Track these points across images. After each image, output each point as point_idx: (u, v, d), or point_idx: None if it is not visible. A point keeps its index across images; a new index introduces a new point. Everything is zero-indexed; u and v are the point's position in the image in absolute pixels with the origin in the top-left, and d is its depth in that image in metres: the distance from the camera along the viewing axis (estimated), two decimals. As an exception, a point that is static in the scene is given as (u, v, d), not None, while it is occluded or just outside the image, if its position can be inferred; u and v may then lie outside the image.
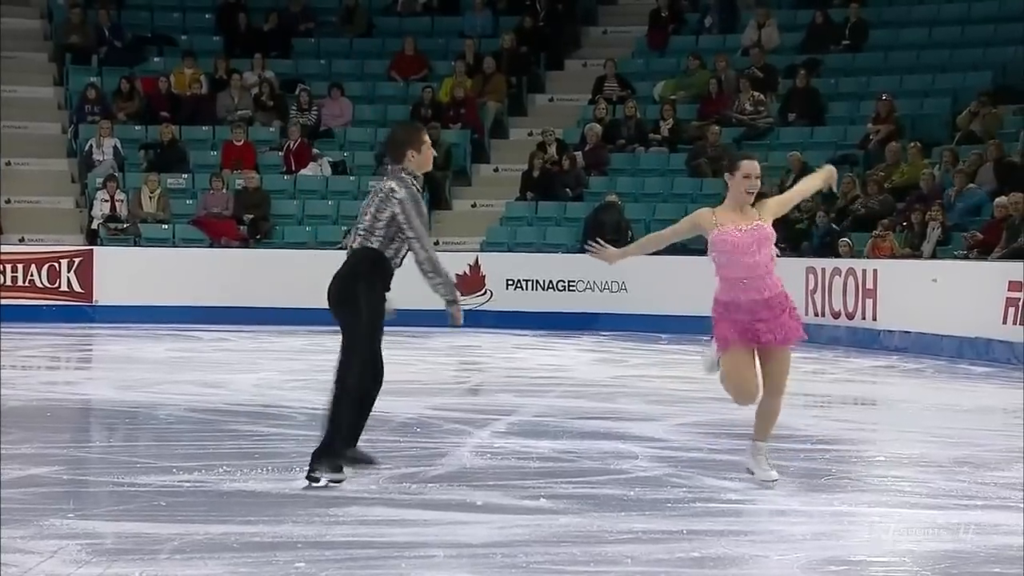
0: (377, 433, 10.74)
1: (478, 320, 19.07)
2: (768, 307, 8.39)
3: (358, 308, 8.32)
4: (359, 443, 8.36)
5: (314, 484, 8.21)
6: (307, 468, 8.29)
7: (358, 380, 8.29)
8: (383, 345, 8.41)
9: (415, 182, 8.47)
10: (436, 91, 25.81)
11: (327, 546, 6.83)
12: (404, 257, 8.49)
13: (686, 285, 19.24)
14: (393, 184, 8.39)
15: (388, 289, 8.45)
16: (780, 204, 8.83)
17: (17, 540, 6.78)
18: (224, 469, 8.82)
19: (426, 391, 13.68)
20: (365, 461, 8.32)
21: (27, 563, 6.38)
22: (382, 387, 8.43)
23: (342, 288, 8.40)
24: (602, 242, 8.34)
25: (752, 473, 8.51)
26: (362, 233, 8.43)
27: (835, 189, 8.98)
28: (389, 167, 8.64)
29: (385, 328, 8.40)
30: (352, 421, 8.26)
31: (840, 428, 12.10)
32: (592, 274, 21.88)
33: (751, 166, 8.49)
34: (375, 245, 8.38)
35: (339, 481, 8.21)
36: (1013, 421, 12.37)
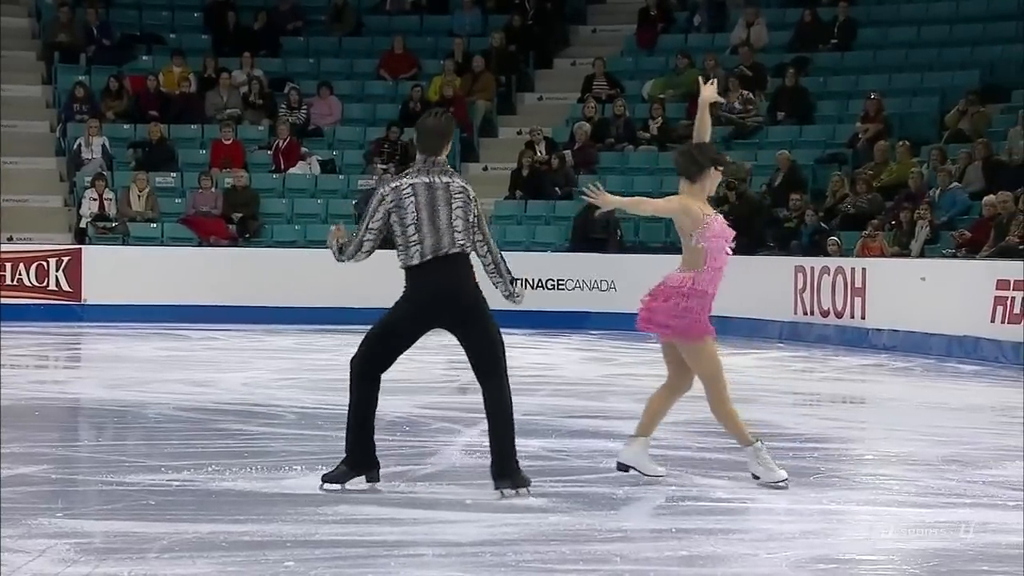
0: (366, 432, 10.74)
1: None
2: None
3: (492, 319, 8.03)
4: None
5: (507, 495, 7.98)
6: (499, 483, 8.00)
7: (510, 392, 8.04)
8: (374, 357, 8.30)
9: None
10: (425, 90, 25.80)
11: (316, 545, 6.82)
12: None
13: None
14: (462, 182, 8.06)
15: None
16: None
17: (5, 539, 6.77)
18: (213, 468, 8.82)
19: (415, 389, 13.67)
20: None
21: (15, 562, 6.37)
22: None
23: (478, 301, 8.00)
24: (600, 187, 8.27)
25: (634, 469, 8.46)
26: (463, 239, 7.97)
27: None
28: (427, 159, 8.09)
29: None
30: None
31: (829, 426, 12.12)
32: (581, 273, 21.90)
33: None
34: (470, 251, 8.06)
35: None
36: (1001, 419, 12.40)
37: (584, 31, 28.22)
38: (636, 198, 8.79)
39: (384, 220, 8.14)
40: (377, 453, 8.30)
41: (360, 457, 8.20)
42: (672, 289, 8.38)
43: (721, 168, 8.52)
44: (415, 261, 8.07)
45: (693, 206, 8.41)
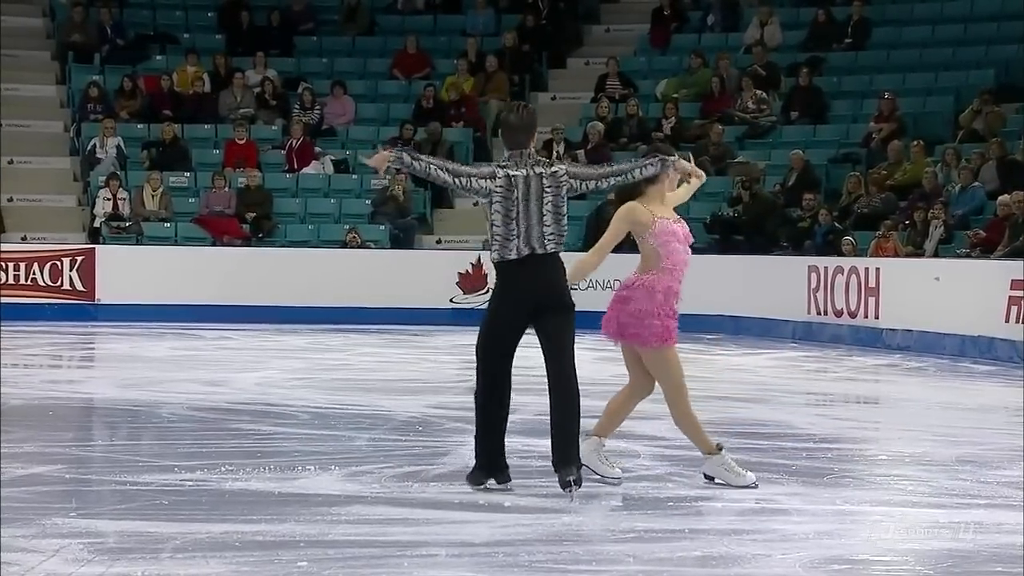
0: (379, 432, 10.76)
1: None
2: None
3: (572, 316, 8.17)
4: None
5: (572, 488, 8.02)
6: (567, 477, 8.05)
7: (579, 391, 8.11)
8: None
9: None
10: (438, 89, 25.81)
11: (329, 545, 6.83)
12: None
13: (686, 284, 19.24)
14: (552, 168, 8.07)
15: None
16: (675, 198, 8.76)
17: (19, 539, 6.78)
18: (226, 468, 8.82)
19: (428, 390, 13.68)
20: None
21: (29, 562, 6.38)
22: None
23: (562, 297, 8.14)
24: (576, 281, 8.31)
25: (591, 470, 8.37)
26: (553, 235, 8.06)
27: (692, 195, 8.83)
28: (520, 153, 8.13)
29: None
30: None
31: (842, 427, 12.10)
32: (595, 272, 21.87)
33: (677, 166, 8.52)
34: (563, 248, 8.16)
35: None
36: (1016, 420, 12.36)
37: (597, 31, 28.21)
38: (591, 256, 8.54)
39: (482, 193, 8.14)
40: (389, 453, 8.28)
41: (484, 460, 8.20)
42: (627, 291, 8.35)
43: (670, 161, 8.41)
44: (512, 256, 8.09)
45: (637, 210, 8.36)
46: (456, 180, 8.15)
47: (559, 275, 8.15)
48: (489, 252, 8.27)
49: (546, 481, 8.37)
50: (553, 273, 8.13)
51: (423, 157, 8.28)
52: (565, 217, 8.16)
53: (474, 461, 8.27)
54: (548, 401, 8.18)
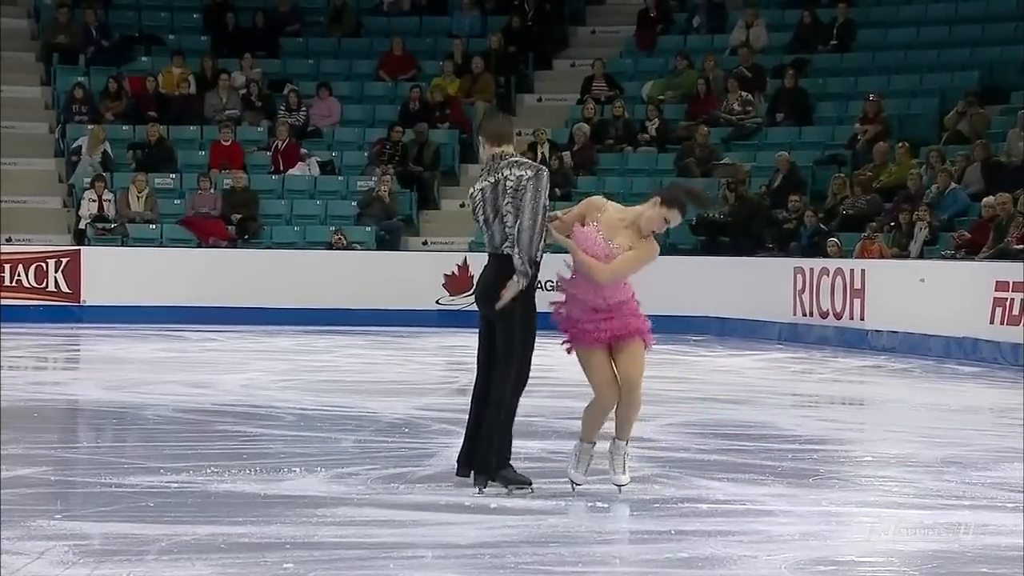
0: (364, 433, 10.76)
1: (466, 320, 19.10)
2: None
3: (518, 321, 8.14)
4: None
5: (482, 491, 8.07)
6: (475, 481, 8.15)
7: (511, 391, 8.10)
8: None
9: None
10: (424, 91, 25.80)
11: (315, 547, 6.82)
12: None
13: (672, 285, 19.29)
14: (519, 172, 8.07)
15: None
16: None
17: (4, 541, 6.77)
18: (212, 470, 8.81)
19: (414, 391, 13.67)
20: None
21: (14, 564, 6.37)
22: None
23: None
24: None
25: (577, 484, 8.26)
26: (509, 238, 8.07)
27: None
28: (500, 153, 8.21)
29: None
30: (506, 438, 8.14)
31: (828, 428, 12.12)
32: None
33: (676, 219, 8.29)
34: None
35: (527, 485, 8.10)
36: (1000, 421, 12.39)
37: (583, 32, 28.21)
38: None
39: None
40: (375, 454, 8.29)
41: (465, 458, 8.28)
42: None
43: (672, 207, 8.25)
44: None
45: (592, 203, 8.27)
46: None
47: (504, 277, 8.07)
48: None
49: (533, 483, 8.36)
50: (497, 274, 8.10)
51: (538, 246, 8.09)
52: (510, 216, 8.05)
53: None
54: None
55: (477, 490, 8.10)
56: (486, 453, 8.15)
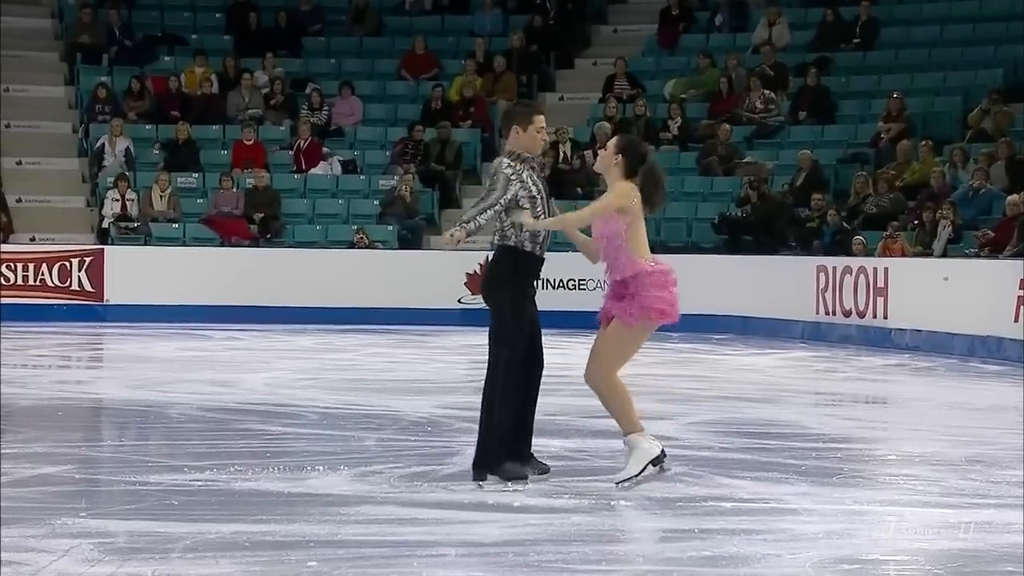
0: (387, 432, 10.77)
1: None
2: None
3: (499, 314, 8.32)
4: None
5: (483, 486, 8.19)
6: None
7: (502, 385, 8.19)
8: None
9: (521, 164, 8.30)
10: (446, 90, 25.81)
11: (339, 545, 6.83)
12: (544, 242, 8.38)
13: (694, 284, 19.23)
14: (498, 161, 8.33)
15: (532, 283, 8.33)
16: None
17: (29, 539, 6.79)
18: (235, 468, 8.82)
19: (437, 390, 13.68)
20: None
21: (39, 562, 6.39)
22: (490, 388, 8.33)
23: (489, 294, 8.40)
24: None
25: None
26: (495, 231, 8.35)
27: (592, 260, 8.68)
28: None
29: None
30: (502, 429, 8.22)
31: (851, 426, 12.08)
32: (603, 273, 21.84)
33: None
34: (509, 242, 8.30)
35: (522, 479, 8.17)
36: (1025, 419, 12.34)
37: (605, 31, 28.20)
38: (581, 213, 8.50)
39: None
40: (399, 453, 8.31)
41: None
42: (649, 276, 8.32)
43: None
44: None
45: (636, 193, 8.29)
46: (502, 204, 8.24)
47: (488, 270, 8.43)
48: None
49: (555, 481, 8.37)
50: (488, 266, 8.47)
51: (478, 217, 8.22)
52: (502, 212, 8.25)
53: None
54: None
55: (477, 484, 8.17)
56: (482, 447, 8.23)
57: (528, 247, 8.30)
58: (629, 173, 8.29)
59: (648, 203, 8.28)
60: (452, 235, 8.14)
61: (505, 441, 8.23)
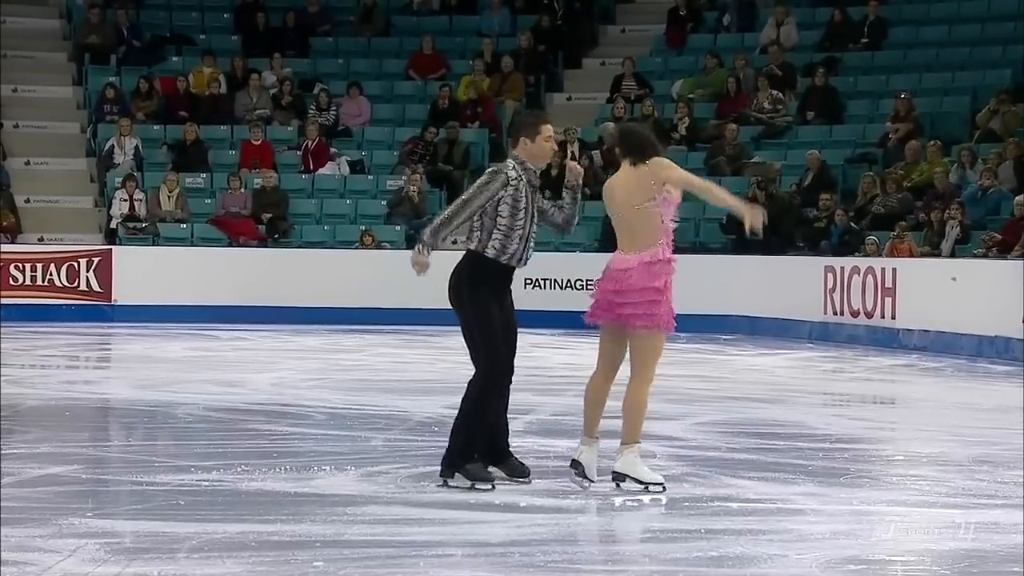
0: (395, 432, 10.77)
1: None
2: None
3: (469, 319, 8.26)
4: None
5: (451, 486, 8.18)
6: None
7: (477, 389, 8.18)
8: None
9: (524, 172, 8.22)
10: (454, 90, 25.81)
11: (345, 545, 6.83)
12: (516, 254, 8.21)
13: (702, 284, 19.26)
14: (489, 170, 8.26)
15: (498, 289, 8.21)
16: (677, 181, 8.34)
17: (36, 539, 6.80)
18: (242, 468, 8.83)
19: (444, 390, 13.66)
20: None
21: (46, 562, 6.39)
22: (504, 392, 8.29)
23: (458, 297, 8.33)
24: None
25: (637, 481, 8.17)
26: (470, 235, 8.31)
27: (752, 232, 8.49)
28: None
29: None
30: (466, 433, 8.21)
31: (859, 427, 12.07)
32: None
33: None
34: (472, 245, 8.25)
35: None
36: (1033, 420, 12.32)
37: (613, 31, 28.19)
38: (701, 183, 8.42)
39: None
40: (405, 453, 8.31)
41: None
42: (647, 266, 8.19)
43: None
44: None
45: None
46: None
47: (458, 273, 8.31)
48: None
49: (562, 481, 8.37)
50: (456, 270, 8.35)
51: (442, 228, 8.22)
52: (484, 217, 8.21)
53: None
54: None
55: (442, 482, 8.18)
56: (450, 448, 8.23)
57: (491, 253, 8.19)
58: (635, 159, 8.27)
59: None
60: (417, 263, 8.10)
61: (471, 442, 8.20)
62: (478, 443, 8.19)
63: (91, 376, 16.38)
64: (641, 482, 8.12)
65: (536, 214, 8.30)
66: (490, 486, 8.11)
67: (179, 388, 13.39)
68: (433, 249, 8.11)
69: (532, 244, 8.33)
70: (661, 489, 8.11)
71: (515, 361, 8.33)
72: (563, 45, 27.16)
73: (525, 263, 8.30)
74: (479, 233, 8.21)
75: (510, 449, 8.38)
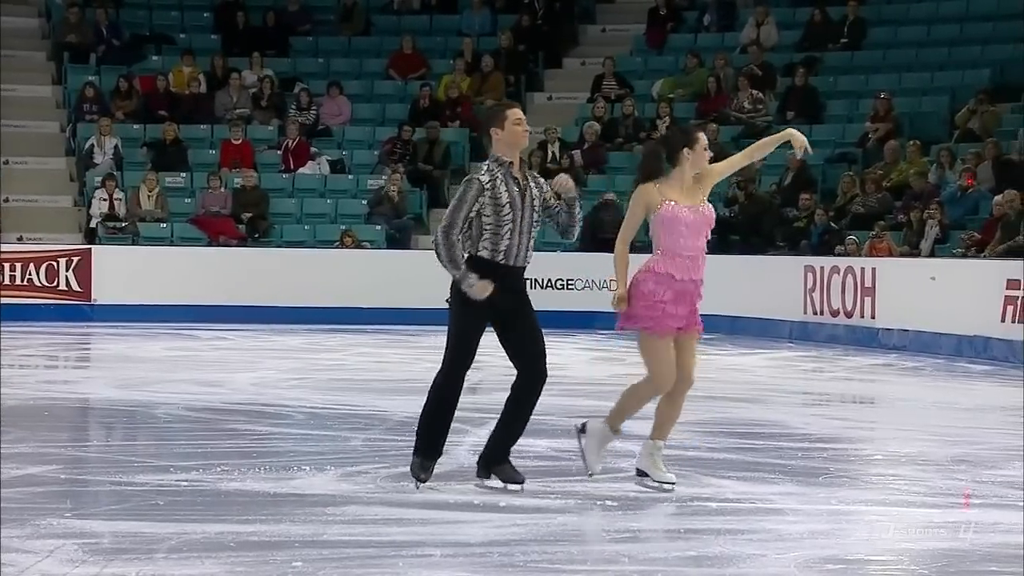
0: (374, 432, 10.77)
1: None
2: (696, 291, 8.35)
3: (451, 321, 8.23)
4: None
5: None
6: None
7: (439, 388, 8.18)
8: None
9: (498, 168, 8.09)
10: (434, 89, 25.81)
11: (324, 545, 6.82)
12: (511, 250, 8.13)
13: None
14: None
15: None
16: (726, 167, 8.56)
17: (14, 539, 6.78)
18: (222, 468, 8.82)
19: (424, 390, 13.63)
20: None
21: (24, 562, 6.38)
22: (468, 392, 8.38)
23: (450, 299, 8.25)
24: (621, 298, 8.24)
25: (646, 476, 8.24)
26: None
27: (804, 152, 8.75)
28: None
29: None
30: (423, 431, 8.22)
31: (838, 426, 12.10)
32: (591, 273, 21.89)
33: (704, 139, 8.35)
34: (469, 250, 8.19)
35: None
36: (1011, 419, 12.36)
37: (593, 31, 28.21)
38: (618, 261, 8.34)
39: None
40: (385, 453, 8.31)
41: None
42: (636, 275, 8.27)
43: (692, 146, 8.27)
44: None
45: (648, 190, 8.24)
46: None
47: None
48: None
49: (541, 481, 8.38)
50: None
51: (447, 242, 8.11)
52: (480, 226, 8.14)
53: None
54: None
55: (479, 482, 8.24)
56: (485, 448, 8.31)
57: (485, 254, 8.11)
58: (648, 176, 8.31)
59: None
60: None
61: (419, 434, 8.22)
62: (424, 438, 8.20)
63: (70, 376, 16.35)
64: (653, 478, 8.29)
65: (531, 203, 8.17)
66: (415, 485, 8.14)
67: (159, 388, 13.36)
68: (463, 259, 8.03)
69: (531, 238, 8.23)
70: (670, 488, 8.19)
71: (504, 361, 8.36)
72: (543, 45, 27.18)
73: (525, 258, 8.21)
74: (472, 238, 8.16)
75: (509, 457, 8.35)
